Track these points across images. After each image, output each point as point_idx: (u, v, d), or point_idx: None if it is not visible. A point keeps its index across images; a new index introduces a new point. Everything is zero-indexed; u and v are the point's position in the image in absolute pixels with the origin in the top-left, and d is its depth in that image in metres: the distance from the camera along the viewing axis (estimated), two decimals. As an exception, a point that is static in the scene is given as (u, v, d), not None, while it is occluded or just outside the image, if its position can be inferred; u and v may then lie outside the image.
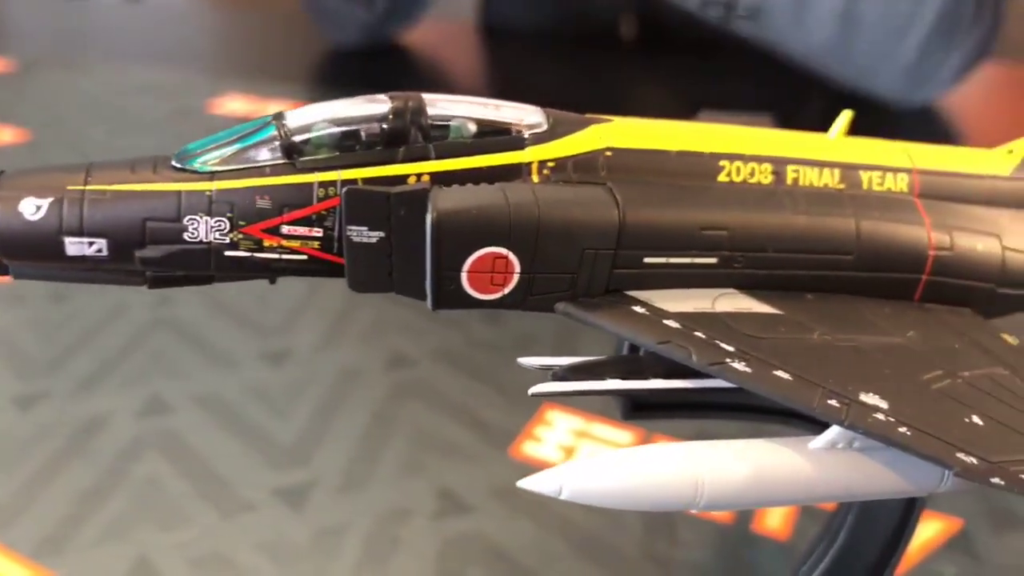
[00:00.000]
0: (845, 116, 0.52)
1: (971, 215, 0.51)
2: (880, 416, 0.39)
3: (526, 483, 0.39)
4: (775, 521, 0.82)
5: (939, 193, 0.52)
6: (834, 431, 0.40)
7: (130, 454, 0.89)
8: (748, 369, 0.40)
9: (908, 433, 0.38)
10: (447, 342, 1.07)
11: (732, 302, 0.45)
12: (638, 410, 0.50)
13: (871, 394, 0.40)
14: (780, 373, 0.40)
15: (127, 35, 2.49)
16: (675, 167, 0.46)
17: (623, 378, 0.42)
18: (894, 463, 0.40)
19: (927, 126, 1.69)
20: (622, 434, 0.92)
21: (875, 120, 1.82)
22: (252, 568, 0.77)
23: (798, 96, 1.82)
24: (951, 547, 0.80)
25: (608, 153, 0.45)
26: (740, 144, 0.48)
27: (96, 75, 2.10)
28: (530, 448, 0.91)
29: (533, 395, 0.42)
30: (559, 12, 2.30)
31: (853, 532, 0.61)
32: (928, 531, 0.82)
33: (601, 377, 0.42)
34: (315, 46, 2.19)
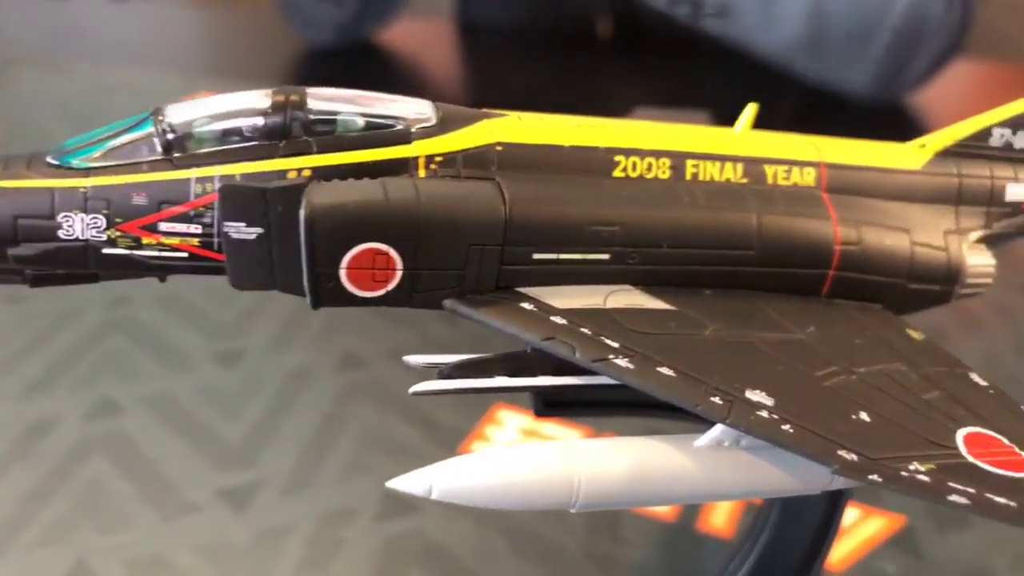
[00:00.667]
0: (750, 109, 0.52)
1: (880, 210, 0.51)
2: (764, 414, 0.39)
3: (395, 483, 0.39)
4: (719, 519, 0.81)
5: (848, 187, 0.51)
6: (718, 429, 0.40)
7: (75, 457, 0.88)
8: (631, 366, 0.40)
9: (791, 431, 0.38)
10: (401, 342, 1.06)
11: (625, 298, 0.44)
12: (550, 407, 0.50)
13: (758, 391, 0.40)
14: (664, 370, 0.40)
15: (108, 34, 2.48)
16: (568, 162, 0.46)
17: (510, 375, 0.42)
18: (782, 461, 0.40)
19: (898, 124, 1.69)
20: (572, 432, 0.91)
21: (846, 118, 1.81)
22: (190, 570, 0.77)
23: (772, 95, 1.82)
24: (894, 544, 0.80)
25: (499, 148, 0.45)
26: (638, 139, 0.48)
27: (74, 75, 2.09)
28: (479, 447, 0.91)
29: (413, 394, 0.42)
30: (535, 11, 2.29)
31: (777, 529, 0.60)
32: (871, 528, 0.81)
33: (489, 375, 0.42)
34: (290, 45, 2.19)
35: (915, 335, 0.49)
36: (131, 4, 2.73)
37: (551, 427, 0.92)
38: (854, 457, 0.37)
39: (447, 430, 0.93)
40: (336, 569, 0.77)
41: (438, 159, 0.43)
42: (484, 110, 0.47)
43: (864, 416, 0.40)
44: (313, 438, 0.92)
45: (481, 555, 0.79)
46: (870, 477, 0.36)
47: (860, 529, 0.81)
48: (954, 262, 0.53)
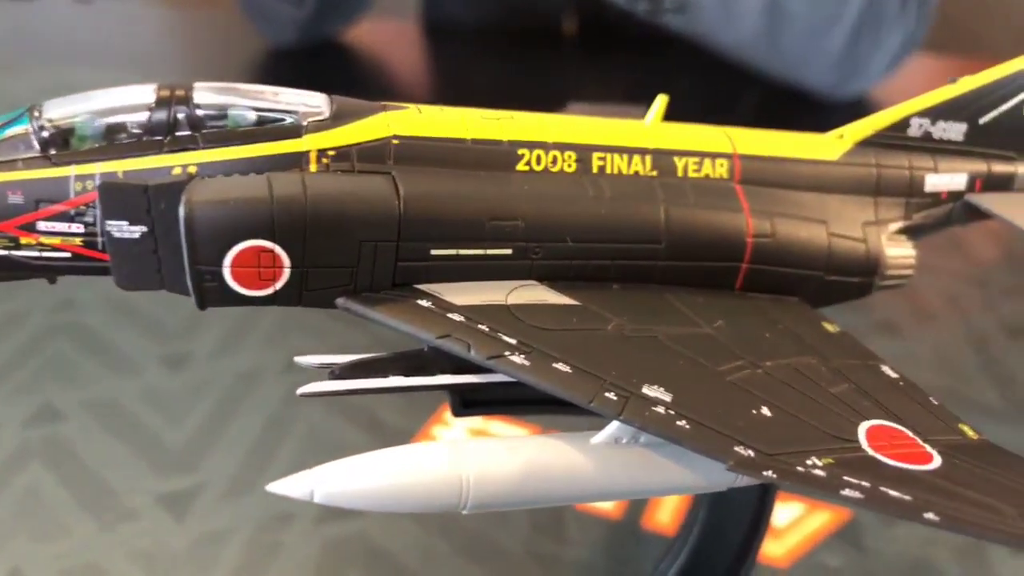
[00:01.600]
0: (660, 101, 0.51)
1: (796, 201, 0.50)
2: (660, 409, 0.38)
3: (274, 487, 0.38)
4: (664, 517, 0.81)
5: (762, 179, 0.50)
6: (614, 426, 0.39)
7: (12, 464, 0.87)
8: (526, 363, 0.39)
9: (687, 427, 0.37)
10: (351, 343, 1.05)
11: (529, 294, 0.43)
12: (468, 407, 0.49)
13: (656, 387, 0.39)
14: (560, 366, 0.39)
15: (72, 36, 2.45)
16: (469, 156, 0.45)
17: (406, 375, 0.41)
18: (683, 457, 0.39)
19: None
20: (519, 431, 0.90)
21: (808, 113, 1.81)
22: (125, 577, 0.75)
23: (736, 91, 1.81)
24: (838, 539, 0.80)
25: (395, 141, 0.44)
26: (544, 133, 0.47)
27: (32, 77, 2.06)
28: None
29: (301, 395, 0.41)
30: (501, 9, 2.28)
31: (707, 525, 0.60)
32: (815, 523, 0.81)
33: (383, 374, 0.41)
34: (254, 45, 2.17)
35: (830, 328, 0.48)
36: (96, 5, 2.70)
37: (499, 426, 0.91)
38: (750, 453, 0.36)
39: (393, 431, 0.92)
40: (273, 573, 0.76)
41: (331, 153, 0.42)
42: (383, 103, 0.46)
43: (765, 411, 0.39)
44: (257, 441, 0.90)
45: (424, 556, 0.78)
46: (765, 473, 0.36)
47: (805, 524, 0.81)
48: (873, 253, 0.52)
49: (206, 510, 0.82)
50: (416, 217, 0.41)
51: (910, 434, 0.40)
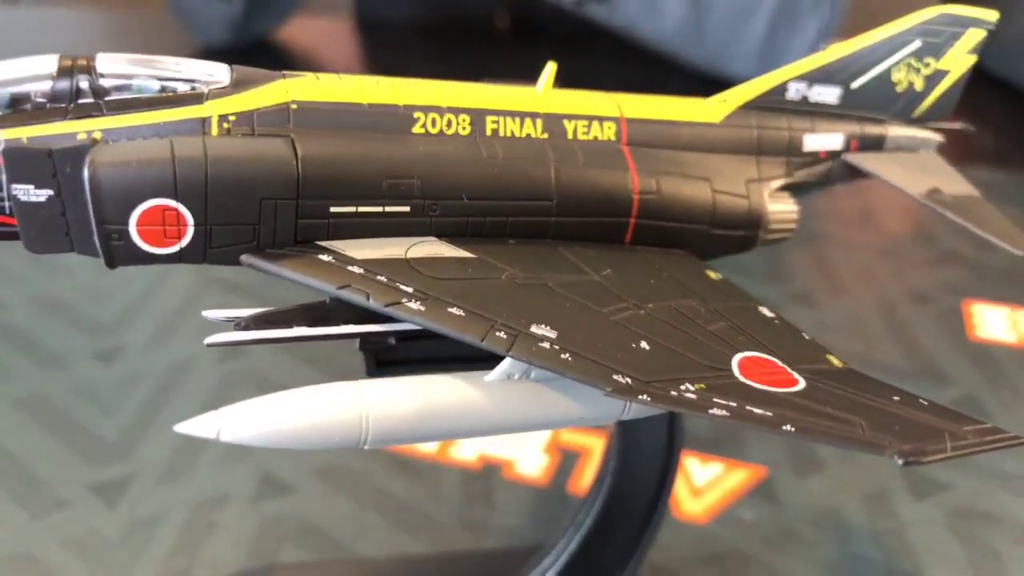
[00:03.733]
0: (550, 68, 0.54)
1: (680, 161, 0.54)
2: (546, 345, 0.41)
3: (183, 427, 0.39)
4: (589, 480, 0.84)
5: (648, 141, 0.54)
6: (507, 363, 0.42)
7: (-60, 460, 0.86)
8: (422, 308, 0.41)
9: (570, 359, 0.40)
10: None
11: (427, 248, 0.46)
12: (382, 367, 0.51)
13: (543, 326, 0.42)
14: (454, 310, 0.41)
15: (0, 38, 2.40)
16: (366, 120, 0.47)
17: (310, 325, 0.43)
18: (570, 390, 0.42)
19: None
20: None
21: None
22: (58, 565, 0.76)
23: (665, 81, 1.87)
24: (754, 494, 0.84)
25: (294, 106, 0.46)
26: (439, 97, 0.49)
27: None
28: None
29: (209, 345, 0.43)
30: (434, 5, 2.31)
31: (617, 476, 0.63)
32: (733, 480, 0.85)
33: (287, 325, 0.43)
34: (185, 46, 2.15)
35: (713, 275, 0.52)
36: (23, 5, 2.65)
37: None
38: (628, 381, 0.39)
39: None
40: (206, 553, 0.77)
41: (232, 118, 0.44)
42: (282, 71, 0.48)
43: (644, 345, 0.42)
44: (191, 428, 0.91)
45: (358, 531, 0.80)
46: (640, 397, 0.39)
47: (723, 482, 0.85)
48: (755, 209, 0.56)
49: (140, 497, 0.82)
50: (314, 176, 0.43)
51: (779, 363, 0.44)
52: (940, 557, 0.77)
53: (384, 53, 2.27)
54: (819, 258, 1.21)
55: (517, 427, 0.42)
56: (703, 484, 0.85)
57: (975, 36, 0.62)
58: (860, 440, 0.37)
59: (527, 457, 0.87)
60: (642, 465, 0.63)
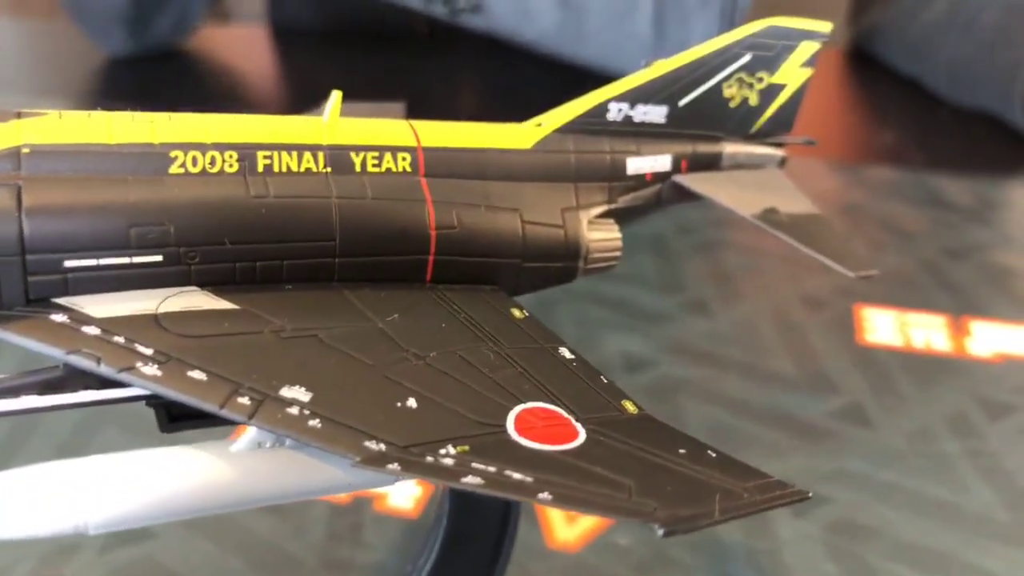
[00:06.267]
0: (335, 96, 0.50)
1: (486, 191, 0.51)
2: (294, 410, 0.37)
3: None
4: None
5: (449, 171, 0.51)
6: (253, 430, 0.38)
7: None
8: (158, 373, 0.38)
9: (319, 426, 0.37)
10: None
11: (185, 301, 0.42)
12: (178, 420, 0.47)
13: (297, 387, 0.39)
14: (195, 374, 0.38)
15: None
16: (113, 162, 0.43)
17: (41, 394, 0.39)
18: (330, 456, 0.39)
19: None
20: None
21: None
22: None
23: (581, 83, 1.84)
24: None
25: (26, 150, 0.42)
26: (203, 133, 0.46)
27: None
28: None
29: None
30: (351, 12, 2.26)
31: (454, 516, 0.60)
32: (608, 504, 0.83)
33: (15, 395, 0.39)
34: (95, 56, 2.08)
35: (518, 314, 0.49)
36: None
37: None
38: (382, 447, 0.36)
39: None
40: (48, 608, 0.73)
41: None
42: (17, 110, 0.44)
43: (412, 403, 0.39)
44: (48, 472, 0.86)
45: (218, 575, 0.76)
46: (389, 467, 0.36)
47: (599, 506, 0.82)
48: (572, 238, 0.53)
49: (-15, 549, 0.78)
50: (41, 229, 0.40)
51: (564, 413, 0.41)
52: (814, 576, 0.76)
53: (300, 60, 2.22)
54: (716, 265, 1.19)
55: (274, 498, 0.39)
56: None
57: (809, 48, 0.60)
58: (622, 509, 0.35)
59: (399, 488, 0.84)
60: (481, 504, 0.60)
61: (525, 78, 2.04)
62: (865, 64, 2.05)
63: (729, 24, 1.65)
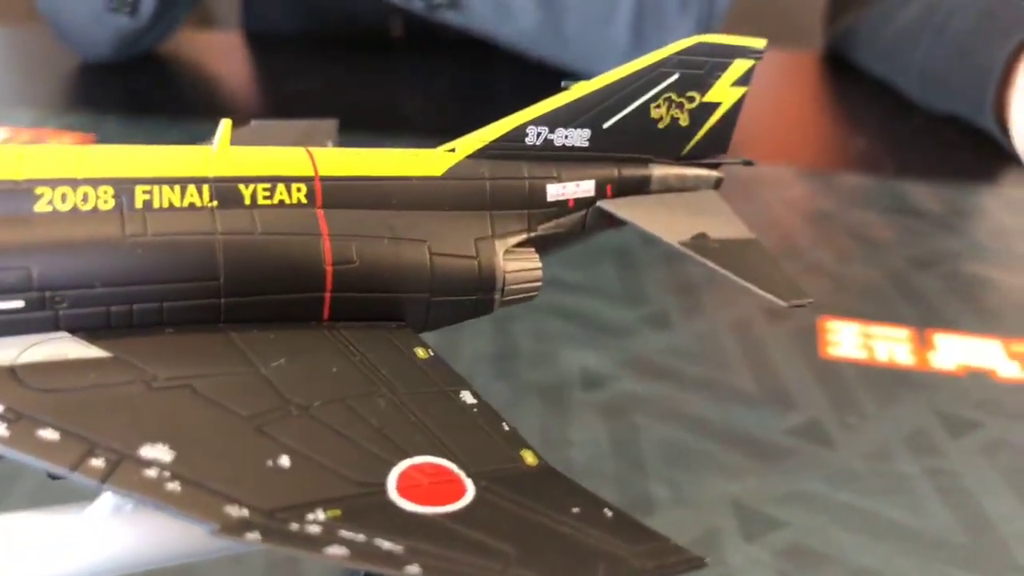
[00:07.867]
0: (224, 125, 0.48)
1: (390, 222, 0.48)
2: (153, 472, 0.35)
3: None
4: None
5: (349, 201, 0.48)
6: (110, 494, 0.36)
7: None
8: (6, 433, 0.35)
9: (177, 489, 0.35)
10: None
11: (50, 350, 0.40)
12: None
13: (160, 445, 0.36)
14: (47, 433, 0.36)
15: None
16: None
17: None
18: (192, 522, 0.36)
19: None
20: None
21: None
22: None
23: (555, 85, 1.82)
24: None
25: None
26: (76, 167, 0.43)
27: None
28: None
29: None
30: (326, 16, 2.23)
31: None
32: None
33: None
34: (71, 61, 2.05)
35: (422, 354, 0.46)
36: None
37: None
38: (244, 513, 0.34)
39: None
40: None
41: None
42: None
43: (284, 462, 0.37)
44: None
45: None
46: (248, 536, 0.33)
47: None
48: (487, 269, 0.51)
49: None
50: None
51: (454, 469, 0.38)
52: (762, 605, 0.73)
53: (276, 65, 2.19)
54: (680, 277, 1.17)
55: (137, 566, 0.36)
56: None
57: (742, 66, 0.58)
58: None
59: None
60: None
61: (500, 81, 2.01)
62: (840, 69, 2.02)
63: (706, 32, 1.63)
